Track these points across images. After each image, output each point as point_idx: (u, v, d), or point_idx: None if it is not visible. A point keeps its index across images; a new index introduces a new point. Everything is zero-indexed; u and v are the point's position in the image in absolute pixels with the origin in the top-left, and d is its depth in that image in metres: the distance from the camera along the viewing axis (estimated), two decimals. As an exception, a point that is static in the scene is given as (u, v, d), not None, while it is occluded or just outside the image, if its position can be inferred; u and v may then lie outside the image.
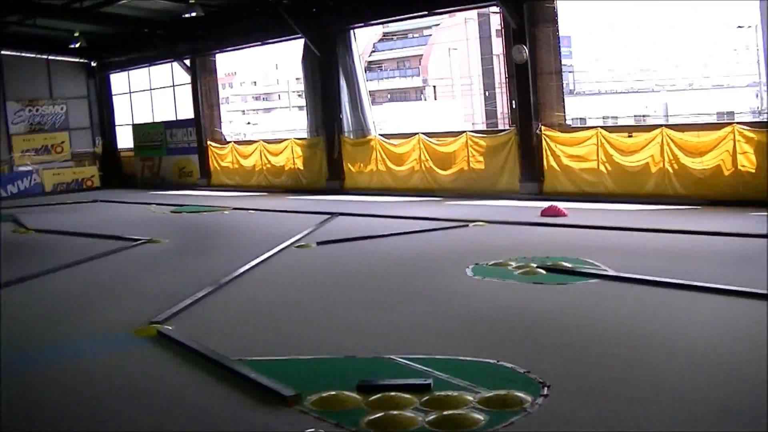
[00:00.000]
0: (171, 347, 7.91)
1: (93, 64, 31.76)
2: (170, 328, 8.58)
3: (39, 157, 30.58)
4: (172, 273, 12.31)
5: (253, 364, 6.97)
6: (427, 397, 5.96)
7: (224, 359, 7.14)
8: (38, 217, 21.67)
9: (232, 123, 28.50)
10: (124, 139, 32.55)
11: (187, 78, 28.20)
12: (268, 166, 25.50)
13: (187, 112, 29.04)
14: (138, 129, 31.24)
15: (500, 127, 40.40)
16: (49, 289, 11.65)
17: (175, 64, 28.59)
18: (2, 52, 29.67)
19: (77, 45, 27.52)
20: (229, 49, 27.18)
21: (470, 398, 5.90)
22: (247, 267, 12.03)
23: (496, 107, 54.48)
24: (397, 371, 6.65)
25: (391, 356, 7.06)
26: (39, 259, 14.29)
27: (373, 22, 23.38)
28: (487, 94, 57.94)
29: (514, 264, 11.06)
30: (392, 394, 6.02)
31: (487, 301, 9.16)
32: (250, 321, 8.92)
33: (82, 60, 31.57)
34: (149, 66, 30.35)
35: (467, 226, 15.11)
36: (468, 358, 6.90)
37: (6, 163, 29.87)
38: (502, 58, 25.99)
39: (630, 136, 17.50)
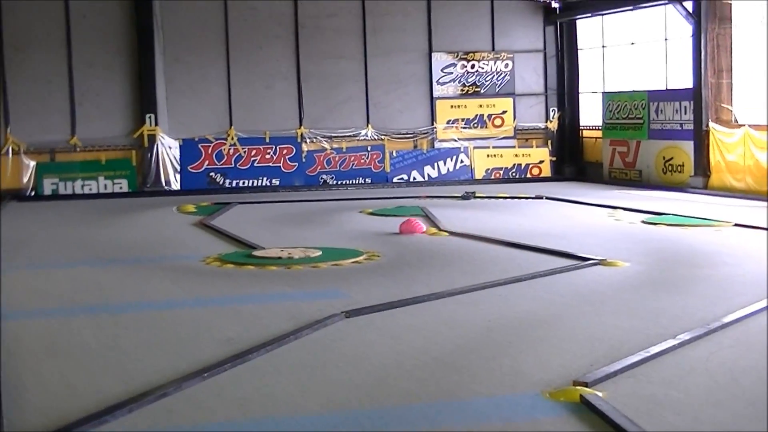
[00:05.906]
0: (595, 423, 7.81)
1: (554, 4, 32.59)
2: (599, 394, 8.46)
3: (470, 131, 32.10)
4: (624, 311, 12.28)
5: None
6: None
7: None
8: (456, 214, 22.89)
9: (746, 97, 27.45)
10: (589, 113, 33.13)
11: (688, 29, 27.94)
12: (804, 165, 24.56)
13: (682, 78, 28.86)
14: (610, 99, 31.63)
15: None
16: (447, 317, 12.18)
17: (671, 8, 28.49)
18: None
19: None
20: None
21: None
22: (736, 316, 11.57)
23: None
24: None
25: None
26: (446, 275, 15.10)
27: None
28: None
29: None
30: None
31: None
32: (720, 399, 8.51)
33: (539, -1, 32.64)
34: (632, 9, 30.52)
35: None
36: None
37: (426, 135, 31.59)
38: None
39: None
